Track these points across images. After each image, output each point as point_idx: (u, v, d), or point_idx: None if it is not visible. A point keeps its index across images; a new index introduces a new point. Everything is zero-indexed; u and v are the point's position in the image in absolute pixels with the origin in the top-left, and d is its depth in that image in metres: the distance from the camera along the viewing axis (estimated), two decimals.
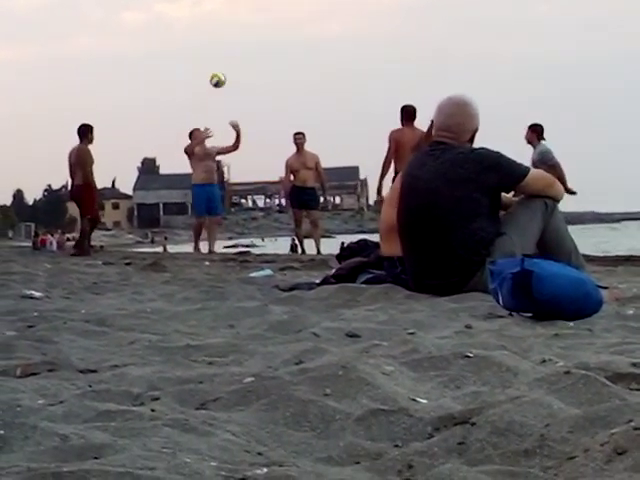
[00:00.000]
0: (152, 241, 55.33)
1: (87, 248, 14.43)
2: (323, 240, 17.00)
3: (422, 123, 6.33)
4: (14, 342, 3.30)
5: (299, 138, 16.00)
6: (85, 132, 14.44)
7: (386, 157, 13.58)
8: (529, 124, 14.28)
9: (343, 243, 7.54)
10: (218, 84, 14.31)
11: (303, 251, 16.35)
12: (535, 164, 13.60)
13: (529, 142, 14.14)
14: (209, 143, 16.02)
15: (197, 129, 15.79)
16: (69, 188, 14.97)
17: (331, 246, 15.00)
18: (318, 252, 15.77)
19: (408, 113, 13.37)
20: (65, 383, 2.57)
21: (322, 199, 16.16)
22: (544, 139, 14.17)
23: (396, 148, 13.23)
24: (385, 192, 13.10)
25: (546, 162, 13.70)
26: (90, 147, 14.57)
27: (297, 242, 16.93)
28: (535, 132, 14.14)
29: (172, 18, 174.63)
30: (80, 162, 14.30)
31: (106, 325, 3.95)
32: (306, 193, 16.02)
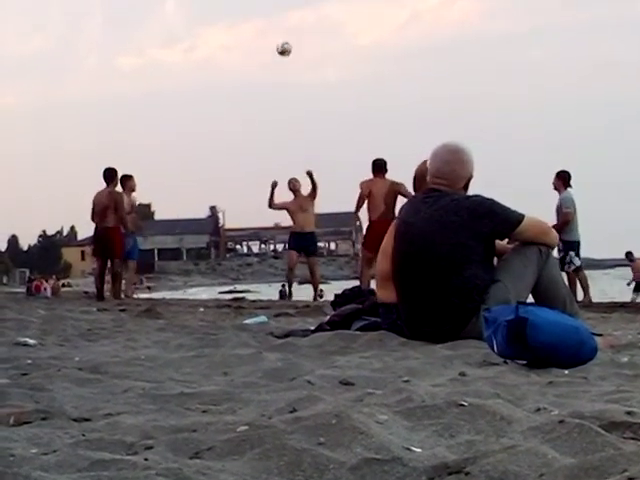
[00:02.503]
0: (148, 288, 55.25)
1: (119, 291, 14.77)
2: (320, 286, 17.05)
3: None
4: (7, 390, 3.29)
5: (294, 184, 16.10)
6: (112, 176, 14.85)
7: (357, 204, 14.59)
8: (557, 171, 14.40)
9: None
10: (284, 52, 13.92)
11: (290, 294, 16.41)
12: (557, 210, 13.85)
13: (556, 189, 14.26)
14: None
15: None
16: (95, 231, 15.12)
17: (326, 292, 15.04)
18: (314, 298, 15.82)
19: (378, 166, 14.37)
20: (58, 432, 2.55)
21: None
22: (570, 186, 14.28)
23: (368, 197, 14.26)
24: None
25: (562, 209, 13.90)
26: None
27: (286, 286, 17.00)
28: (561, 179, 14.29)
29: (166, 63, 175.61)
30: (114, 205, 14.64)
31: (100, 372, 3.94)
32: (305, 238, 16.10)
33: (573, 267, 13.93)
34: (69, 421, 2.78)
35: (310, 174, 15.89)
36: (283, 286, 16.96)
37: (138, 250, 16.58)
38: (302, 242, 16.15)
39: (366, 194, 14.32)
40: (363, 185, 14.40)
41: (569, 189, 14.27)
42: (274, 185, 16.10)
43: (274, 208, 16.44)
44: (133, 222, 16.03)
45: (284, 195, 16.36)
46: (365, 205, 14.40)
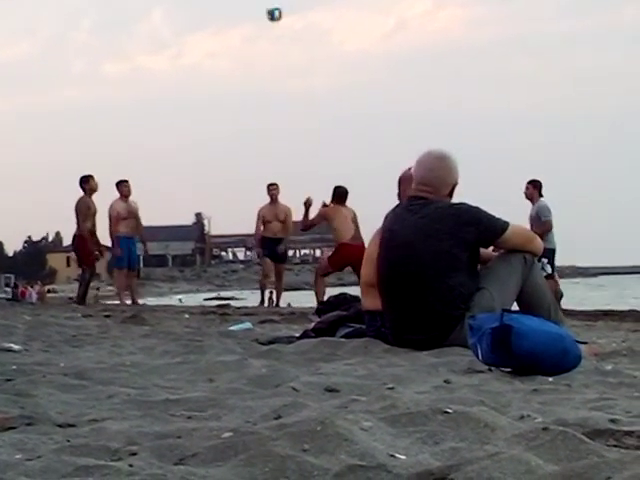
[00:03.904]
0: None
1: (81, 298, 14.72)
2: (304, 293, 17.08)
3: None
4: None
5: (273, 189, 16.03)
6: (84, 182, 14.91)
7: (303, 222, 14.61)
8: (529, 180, 14.44)
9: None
10: (274, 18, 13.54)
11: (262, 301, 16.38)
12: (532, 219, 13.86)
13: (529, 198, 14.29)
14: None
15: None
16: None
17: (311, 299, 15.02)
18: (277, 304, 15.85)
19: (340, 194, 14.19)
20: (43, 437, 2.55)
21: (282, 248, 16.13)
22: (542, 195, 14.33)
23: (334, 221, 14.04)
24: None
25: (541, 217, 13.93)
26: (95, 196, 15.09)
27: (260, 291, 16.93)
28: (536, 188, 14.32)
29: (153, 70, 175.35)
30: (76, 212, 14.74)
31: (85, 378, 3.93)
32: (276, 244, 16.05)
33: (544, 274, 13.97)
34: (54, 427, 2.78)
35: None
36: (271, 292, 16.91)
37: (135, 256, 16.45)
38: (274, 247, 16.11)
39: (318, 221, 14.32)
40: (322, 213, 14.21)
41: (542, 198, 14.32)
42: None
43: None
44: (132, 227, 16.02)
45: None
46: (332, 229, 14.21)
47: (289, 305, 16.37)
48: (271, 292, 16.96)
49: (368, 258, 5.78)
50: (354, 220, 13.97)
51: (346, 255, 13.40)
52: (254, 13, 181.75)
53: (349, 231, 13.84)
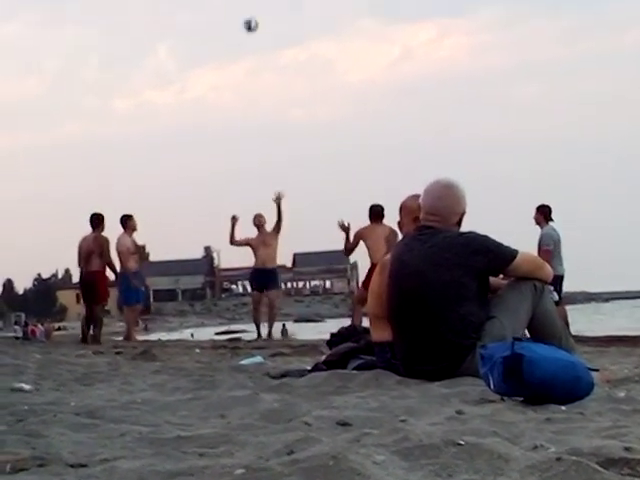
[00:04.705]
0: (146, 328, 55.09)
1: (99, 336, 14.70)
2: (314, 325, 17.07)
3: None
4: (3, 437, 3.28)
5: (258, 219, 16.15)
6: (99, 221, 14.94)
7: (345, 247, 14.52)
8: (537, 205, 14.41)
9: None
10: (251, 28, 13.52)
11: (259, 335, 16.34)
12: (539, 245, 13.84)
13: (537, 223, 14.26)
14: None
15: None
16: (80, 275, 15.28)
17: (322, 331, 15.01)
18: (269, 335, 15.84)
19: (375, 213, 14.18)
20: (55, 478, 2.55)
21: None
22: (552, 220, 14.29)
23: (367, 242, 14.06)
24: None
25: (541, 245, 13.89)
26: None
27: (255, 325, 16.93)
28: (542, 213, 14.30)
29: (159, 104, 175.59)
30: (100, 249, 14.74)
31: (96, 417, 3.92)
32: (266, 275, 16.10)
33: None
34: (66, 467, 2.77)
35: (279, 200, 15.78)
36: (283, 325, 16.89)
37: (143, 293, 16.57)
38: (263, 279, 16.17)
39: (355, 243, 14.31)
40: (357, 234, 14.30)
41: (551, 223, 14.28)
42: (234, 220, 16.18)
43: (236, 244, 16.40)
44: (138, 262, 16.16)
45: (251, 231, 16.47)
46: (366, 248, 14.21)
47: (283, 333, 16.31)
48: (283, 325, 16.99)
49: (373, 290, 5.78)
50: (388, 238, 13.80)
51: None
52: (257, 46, 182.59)
53: (380, 251, 13.75)
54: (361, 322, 12.85)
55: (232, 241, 16.25)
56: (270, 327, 16.20)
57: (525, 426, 3.30)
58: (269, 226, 16.19)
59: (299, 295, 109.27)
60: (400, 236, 6.23)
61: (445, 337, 5.13)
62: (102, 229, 14.95)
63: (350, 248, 14.47)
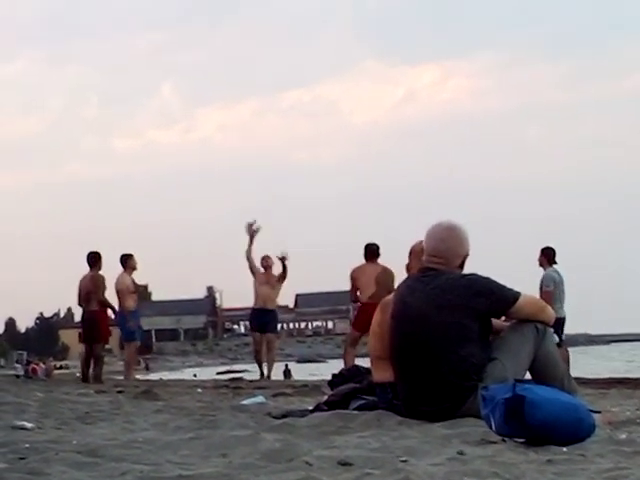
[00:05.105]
0: (147, 368, 54.99)
1: (100, 375, 14.69)
2: (318, 365, 17.06)
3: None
4: (5, 475, 3.28)
5: (266, 260, 16.17)
6: (95, 260, 14.98)
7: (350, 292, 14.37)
8: (541, 248, 14.44)
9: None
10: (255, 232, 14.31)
11: (262, 374, 16.30)
12: (540, 287, 13.85)
13: (540, 265, 14.28)
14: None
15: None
16: (82, 315, 15.30)
17: (324, 371, 15.00)
18: (268, 377, 15.82)
19: (370, 251, 14.07)
20: None
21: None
22: (555, 262, 14.30)
23: (356, 281, 13.95)
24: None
25: (542, 287, 13.90)
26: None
27: (257, 365, 16.87)
28: (546, 256, 14.32)
29: (164, 144, 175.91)
30: (96, 289, 14.76)
31: (98, 456, 3.92)
32: (266, 316, 16.11)
33: None
34: None
35: (284, 260, 15.89)
36: (286, 365, 16.87)
37: (142, 331, 16.64)
38: (263, 320, 16.18)
39: (354, 281, 14.15)
40: (352, 273, 14.18)
41: (554, 266, 14.30)
42: (255, 232, 15.81)
43: (249, 260, 16.03)
44: (136, 301, 16.16)
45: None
46: (359, 287, 14.08)
47: (286, 374, 16.29)
48: (286, 365, 16.97)
49: (374, 331, 5.79)
50: (378, 278, 13.67)
51: (364, 317, 13.21)
52: (262, 87, 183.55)
53: (369, 291, 13.68)
54: (353, 362, 12.81)
55: (249, 255, 15.90)
56: (269, 370, 16.19)
57: (526, 467, 3.30)
58: (275, 270, 16.22)
59: (301, 336, 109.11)
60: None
61: (447, 378, 5.13)
62: (99, 267, 14.98)
63: (354, 294, 14.39)
